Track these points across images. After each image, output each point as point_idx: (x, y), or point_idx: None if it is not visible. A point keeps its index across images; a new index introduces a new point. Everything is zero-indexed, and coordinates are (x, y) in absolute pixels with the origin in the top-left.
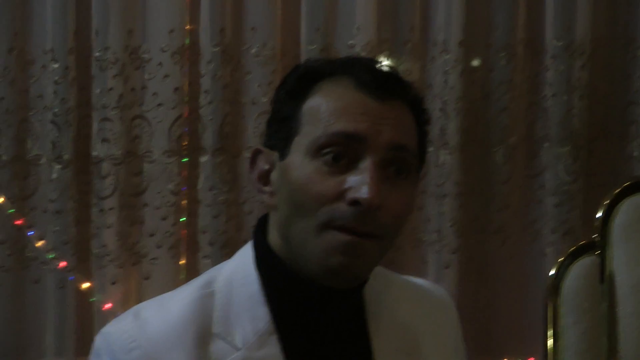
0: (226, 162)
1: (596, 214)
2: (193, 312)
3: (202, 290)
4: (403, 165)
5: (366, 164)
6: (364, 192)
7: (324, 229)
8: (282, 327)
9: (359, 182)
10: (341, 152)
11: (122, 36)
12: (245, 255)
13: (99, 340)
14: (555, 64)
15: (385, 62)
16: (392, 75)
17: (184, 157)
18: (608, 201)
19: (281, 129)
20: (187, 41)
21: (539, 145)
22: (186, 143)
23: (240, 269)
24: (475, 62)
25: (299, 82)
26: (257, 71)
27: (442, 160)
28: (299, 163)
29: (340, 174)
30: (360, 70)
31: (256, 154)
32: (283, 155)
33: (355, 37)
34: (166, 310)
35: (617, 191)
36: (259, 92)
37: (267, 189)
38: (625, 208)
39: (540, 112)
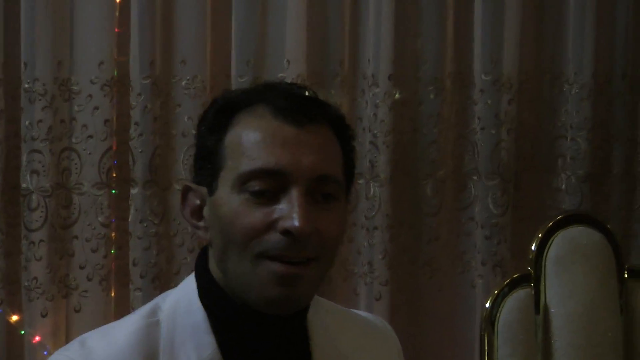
0: (156, 195)
1: (525, 246)
2: (139, 340)
3: (147, 319)
4: (329, 191)
5: (292, 193)
6: (294, 222)
7: (259, 259)
8: (228, 355)
9: (288, 212)
10: (265, 186)
11: (51, 68)
12: (189, 284)
13: None
14: (483, 97)
15: (301, 86)
16: (309, 98)
17: (114, 189)
18: (541, 234)
19: (206, 165)
20: (115, 73)
21: (467, 178)
22: (116, 175)
23: (184, 298)
24: (402, 95)
25: (217, 116)
26: (187, 103)
27: (373, 193)
28: (227, 198)
29: (268, 205)
30: (276, 97)
31: (186, 190)
32: (211, 190)
33: (286, 70)
34: (112, 339)
35: (550, 224)
36: (189, 124)
37: (201, 224)
38: (558, 241)
39: (468, 145)
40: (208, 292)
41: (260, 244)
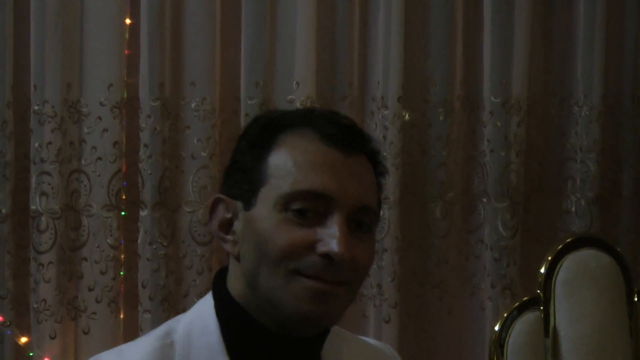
0: (165, 217)
1: (534, 269)
2: None
3: (161, 341)
4: (366, 221)
5: (335, 218)
6: (335, 247)
7: (293, 275)
8: None
9: (330, 236)
10: (310, 207)
11: (60, 90)
12: (205, 305)
13: None
14: (492, 120)
15: (345, 116)
16: (354, 128)
17: (123, 211)
18: (550, 257)
19: (244, 180)
20: (125, 95)
21: (476, 200)
22: (125, 197)
23: (199, 319)
24: (411, 117)
25: (261, 134)
26: (197, 125)
27: (382, 215)
28: (267, 215)
29: (309, 227)
30: (323, 122)
31: (217, 202)
32: (248, 205)
33: (295, 92)
34: None
35: (559, 247)
36: (198, 146)
37: (229, 237)
38: (567, 264)
39: (477, 167)
40: (226, 311)
41: (297, 262)
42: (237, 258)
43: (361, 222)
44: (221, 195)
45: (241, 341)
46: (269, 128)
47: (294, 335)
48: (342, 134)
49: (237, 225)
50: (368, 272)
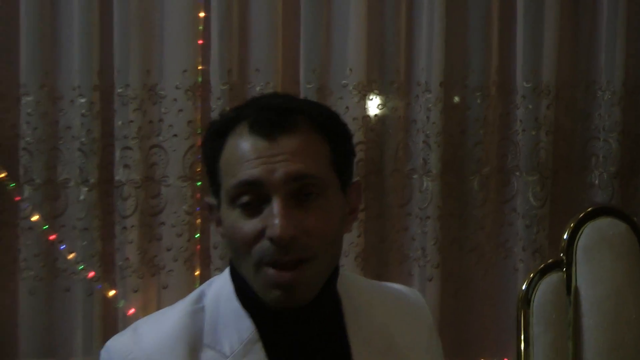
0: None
1: (561, 235)
2: (186, 325)
3: (193, 306)
4: (311, 188)
5: (272, 202)
6: (275, 230)
7: (259, 267)
8: (266, 336)
9: (270, 221)
10: (250, 198)
11: (141, 75)
12: (227, 275)
13: (103, 354)
14: (524, 103)
15: (282, 95)
16: (284, 109)
17: (198, 182)
18: (572, 224)
19: (212, 182)
20: (199, 80)
21: (510, 174)
22: (199, 169)
23: (226, 286)
24: (451, 100)
25: (211, 141)
26: None
27: (425, 187)
28: (226, 213)
29: (256, 215)
30: (253, 113)
31: (208, 206)
32: (218, 205)
33: (348, 78)
34: (161, 325)
35: (580, 216)
36: None
37: (223, 231)
38: (588, 231)
39: (511, 145)
40: (241, 283)
41: (257, 252)
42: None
43: (306, 192)
44: (208, 199)
45: (253, 308)
46: (217, 134)
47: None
48: (266, 121)
49: (222, 221)
50: (333, 236)
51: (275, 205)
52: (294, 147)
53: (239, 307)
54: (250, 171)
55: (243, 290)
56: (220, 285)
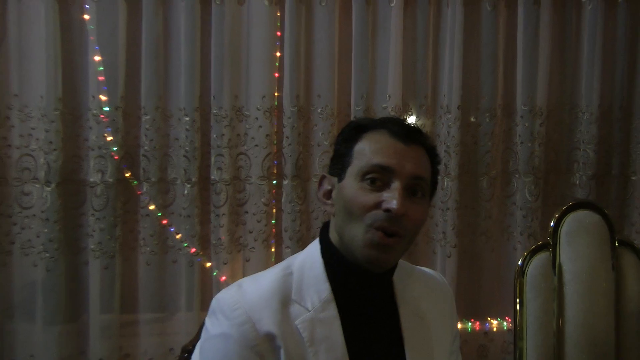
0: (300, 185)
1: (549, 223)
2: (278, 285)
3: (284, 271)
4: (420, 189)
5: (395, 185)
6: (394, 204)
7: (369, 228)
8: (339, 297)
9: (391, 197)
10: (377, 177)
11: (231, 99)
12: (313, 247)
13: (214, 303)
14: (522, 121)
15: (409, 120)
16: (414, 128)
17: (273, 181)
18: (557, 215)
19: (339, 162)
20: (275, 103)
21: (511, 176)
22: (275, 171)
23: (309, 257)
24: (468, 119)
25: (351, 132)
26: (321, 124)
27: (446, 185)
28: (351, 184)
29: (377, 191)
30: (392, 124)
31: (322, 178)
32: (340, 179)
33: (387, 102)
34: (259, 284)
35: (564, 208)
36: (322, 138)
37: (329, 202)
38: (569, 220)
39: (512, 154)
40: (327, 252)
41: (370, 217)
42: (333, 215)
43: (416, 190)
44: (325, 174)
45: (337, 273)
46: (356, 129)
47: (369, 269)
48: (405, 131)
49: (334, 194)
50: (419, 229)
51: (398, 189)
52: (419, 156)
53: (321, 273)
54: (387, 159)
55: (330, 256)
56: (304, 258)
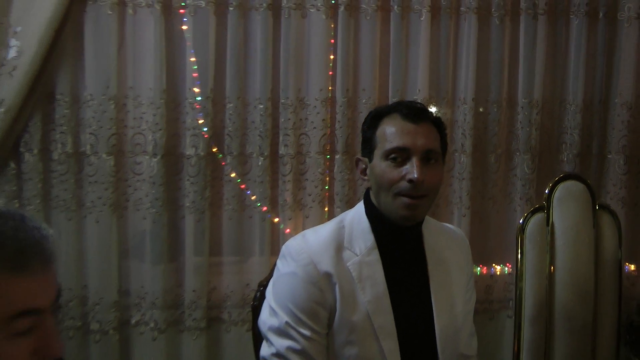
0: (348, 159)
1: (543, 191)
2: (334, 236)
3: (338, 225)
4: (432, 157)
5: (413, 160)
6: (414, 175)
7: (397, 196)
8: (380, 245)
9: (411, 170)
10: (398, 155)
11: (295, 91)
12: (360, 207)
13: (283, 249)
14: (522, 112)
15: (418, 102)
16: (421, 108)
17: (327, 155)
18: (551, 184)
19: (367, 146)
20: (329, 95)
21: (513, 153)
22: (328, 147)
23: (357, 214)
24: (480, 110)
25: (372, 120)
26: (365, 112)
27: (462, 160)
28: (378, 164)
29: (400, 167)
30: (403, 108)
31: (357, 160)
32: (370, 160)
33: (418, 94)
34: (319, 234)
35: (556, 179)
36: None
37: (365, 177)
38: (560, 188)
39: (514, 136)
40: (370, 211)
41: (397, 188)
42: (370, 188)
43: (429, 158)
44: (358, 157)
45: (378, 227)
46: (376, 116)
47: (403, 224)
48: (413, 112)
49: (368, 171)
50: (438, 187)
51: (415, 162)
52: (428, 131)
53: (366, 226)
54: (403, 141)
55: (373, 215)
56: (353, 215)
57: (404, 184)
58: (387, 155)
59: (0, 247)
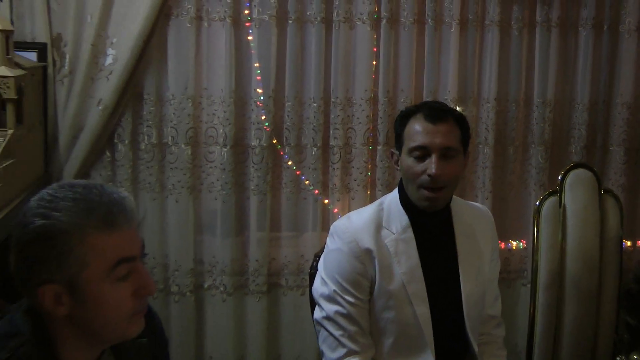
0: (388, 149)
1: (556, 177)
2: (374, 216)
3: (377, 207)
4: (451, 152)
5: (432, 157)
6: (432, 171)
7: (419, 188)
8: (414, 224)
9: (430, 166)
10: (420, 153)
11: (343, 92)
12: (396, 192)
13: (332, 229)
14: (537, 110)
15: (441, 102)
16: (442, 109)
17: (369, 147)
18: (563, 172)
19: (398, 142)
20: (372, 95)
21: (529, 146)
22: (371, 140)
23: (394, 198)
24: (499, 108)
25: (401, 120)
26: (402, 109)
27: (485, 151)
28: (405, 159)
29: (422, 162)
30: (426, 109)
31: (392, 153)
32: (399, 154)
33: (448, 94)
34: (361, 215)
35: (567, 168)
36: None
37: (397, 167)
38: (571, 175)
39: (529, 131)
40: (403, 196)
41: (420, 181)
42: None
43: (448, 155)
44: (392, 150)
45: (411, 209)
46: (405, 116)
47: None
48: (435, 114)
49: (399, 163)
50: (456, 181)
51: (434, 159)
52: (446, 130)
53: (401, 209)
54: (423, 141)
55: (405, 200)
56: (391, 198)
57: (424, 178)
58: (411, 152)
59: (91, 211)
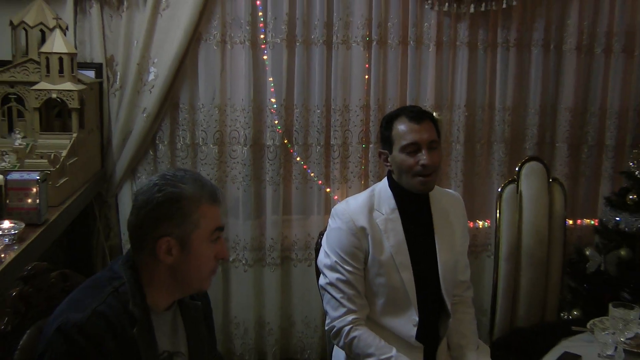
0: (378, 147)
1: (515, 168)
2: (367, 201)
3: (370, 193)
4: (434, 145)
5: (422, 150)
6: (425, 161)
7: (414, 176)
8: (400, 207)
9: (422, 158)
10: (411, 148)
11: (342, 100)
12: (385, 180)
13: (333, 211)
14: (499, 114)
15: (418, 107)
16: (421, 111)
17: (363, 145)
18: (519, 164)
19: (387, 142)
20: (365, 103)
21: (492, 143)
22: (364, 139)
23: (384, 186)
24: (470, 115)
25: (387, 123)
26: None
27: (457, 148)
28: (398, 155)
29: (414, 156)
30: (407, 112)
31: (380, 153)
32: (390, 152)
33: (427, 102)
34: (357, 200)
35: (523, 160)
36: None
37: (387, 164)
38: (526, 167)
39: (493, 131)
40: (393, 184)
41: (414, 171)
42: (392, 170)
43: (432, 146)
44: (380, 150)
45: (398, 195)
46: (389, 120)
47: (420, 193)
48: (416, 115)
49: (389, 159)
50: (440, 165)
51: (424, 152)
52: (428, 128)
53: (390, 194)
54: (413, 138)
55: (393, 186)
56: (381, 186)
57: (418, 168)
58: (404, 149)
59: (204, 186)
